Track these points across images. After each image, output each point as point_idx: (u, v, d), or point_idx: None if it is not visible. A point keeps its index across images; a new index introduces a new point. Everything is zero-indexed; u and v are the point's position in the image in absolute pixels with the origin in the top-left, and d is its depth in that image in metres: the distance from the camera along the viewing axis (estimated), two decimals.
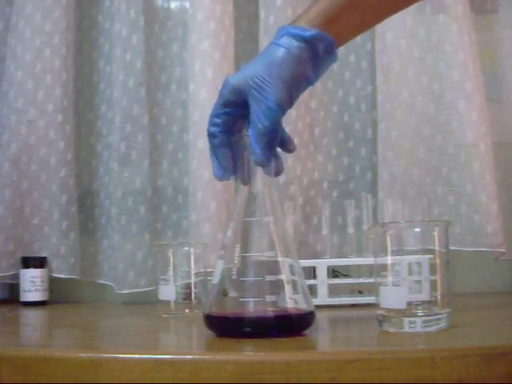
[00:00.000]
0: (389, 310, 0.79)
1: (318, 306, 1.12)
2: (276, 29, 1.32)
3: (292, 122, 1.37)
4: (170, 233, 1.47)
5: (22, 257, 1.40)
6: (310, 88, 1.40)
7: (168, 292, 1.11)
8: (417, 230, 0.82)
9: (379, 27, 1.37)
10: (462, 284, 1.30)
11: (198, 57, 1.37)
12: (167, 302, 1.11)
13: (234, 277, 0.78)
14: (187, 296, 1.11)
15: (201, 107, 1.36)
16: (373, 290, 1.16)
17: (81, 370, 0.67)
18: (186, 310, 1.10)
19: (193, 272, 1.11)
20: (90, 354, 0.68)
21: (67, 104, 1.46)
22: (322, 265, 1.17)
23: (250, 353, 0.68)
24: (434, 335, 0.76)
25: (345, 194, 1.43)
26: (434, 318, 0.78)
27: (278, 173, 0.84)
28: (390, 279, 0.79)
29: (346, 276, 1.24)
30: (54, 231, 1.43)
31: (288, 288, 0.77)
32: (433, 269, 0.79)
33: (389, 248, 0.80)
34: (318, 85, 1.45)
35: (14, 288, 1.43)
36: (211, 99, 1.33)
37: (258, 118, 0.78)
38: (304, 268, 1.15)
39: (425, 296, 0.78)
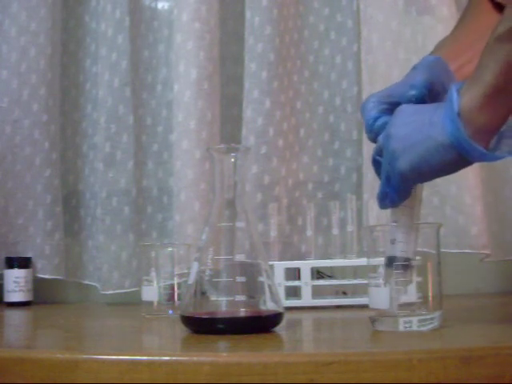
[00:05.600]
0: (381, 311, 0.80)
1: (302, 308, 1.13)
2: (262, 29, 1.35)
3: (277, 123, 1.37)
4: (154, 233, 1.47)
5: (6, 257, 1.39)
6: (296, 89, 1.43)
7: (151, 293, 1.11)
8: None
9: (365, 29, 1.37)
10: (448, 285, 1.30)
11: (183, 57, 1.37)
12: (150, 303, 1.11)
13: (208, 278, 0.83)
14: (170, 297, 1.11)
15: (185, 108, 1.36)
16: (357, 291, 1.18)
17: (58, 371, 0.67)
18: (169, 311, 1.10)
19: (176, 273, 1.11)
20: (67, 355, 0.68)
21: (52, 104, 1.45)
22: (305, 266, 1.17)
23: (226, 354, 0.68)
24: (414, 336, 0.76)
25: (330, 195, 1.42)
26: (426, 318, 0.79)
27: None
28: (381, 280, 0.80)
29: (330, 277, 1.24)
30: (38, 231, 1.43)
31: (256, 288, 0.82)
32: (424, 270, 0.79)
33: (380, 250, 0.81)
34: (304, 85, 1.45)
35: None
36: (195, 99, 1.36)
37: None
38: (288, 269, 1.17)
39: (415, 297, 0.79)
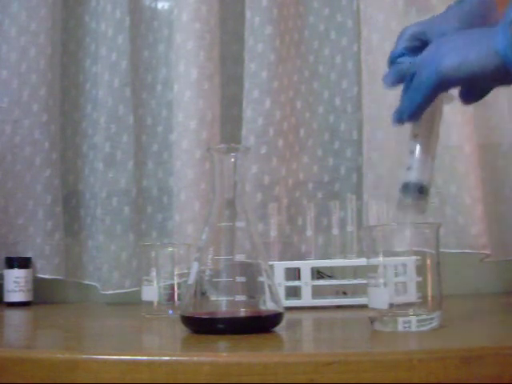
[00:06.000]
0: (381, 311, 0.80)
1: (302, 308, 1.13)
2: (262, 29, 1.35)
3: (277, 123, 1.36)
4: (154, 233, 1.47)
5: (6, 257, 1.39)
6: (296, 89, 1.43)
7: (151, 293, 1.11)
8: (408, 232, 0.82)
9: (365, 29, 1.37)
10: (448, 286, 1.29)
11: (183, 57, 1.37)
12: (150, 303, 1.11)
13: (208, 278, 0.83)
14: (170, 297, 1.11)
15: (185, 108, 1.36)
16: (357, 291, 1.18)
17: (58, 371, 0.67)
18: (169, 311, 1.10)
19: (176, 273, 1.11)
20: (68, 355, 0.68)
21: (52, 104, 1.45)
22: (305, 266, 1.17)
23: (226, 354, 0.68)
24: (414, 336, 0.76)
25: (330, 195, 1.42)
26: (426, 318, 0.79)
27: None
28: (380, 280, 0.79)
29: (330, 277, 1.24)
30: (38, 231, 1.43)
31: (256, 288, 0.82)
32: (423, 270, 0.79)
33: (380, 249, 0.81)
34: (304, 85, 1.45)
35: None
36: (196, 99, 1.36)
37: None
38: (288, 269, 1.17)
39: (414, 297, 0.79)
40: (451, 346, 0.69)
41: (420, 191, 0.80)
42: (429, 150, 0.81)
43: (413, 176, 0.80)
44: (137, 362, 0.65)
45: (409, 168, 0.81)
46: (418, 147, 0.81)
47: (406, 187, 0.80)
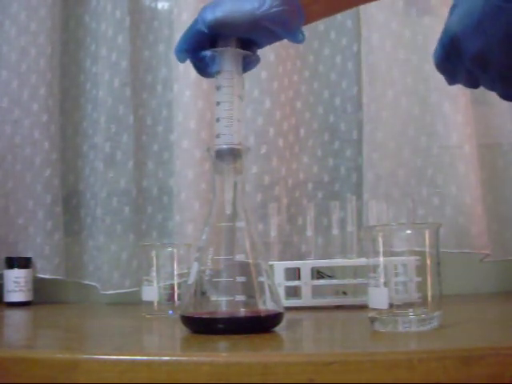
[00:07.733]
0: (381, 311, 0.80)
1: (302, 308, 1.13)
2: None
3: (277, 123, 1.37)
4: (154, 233, 1.47)
5: (6, 257, 1.39)
6: (296, 89, 1.43)
7: (151, 293, 1.11)
8: (408, 232, 0.83)
9: (365, 29, 1.37)
10: (448, 285, 1.29)
11: None
12: (150, 303, 1.11)
13: (208, 278, 0.82)
14: (170, 297, 1.11)
15: (185, 108, 1.36)
16: (357, 291, 1.18)
17: (58, 371, 0.67)
18: (169, 311, 1.10)
19: (176, 273, 1.11)
20: (68, 355, 0.68)
21: (52, 104, 1.45)
22: (305, 266, 1.17)
23: (226, 354, 0.68)
24: (414, 336, 0.76)
25: (330, 195, 1.42)
26: (426, 318, 0.79)
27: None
28: (380, 280, 0.79)
29: (330, 277, 1.24)
30: (38, 231, 1.43)
31: (256, 288, 0.82)
32: (423, 270, 0.79)
33: (380, 249, 0.81)
34: (304, 85, 1.45)
35: None
36: (195, 99, 1.36)
37: None
38: (288, 269, 1.17)
39: (414, 297, 0.79)
40: (451, 346, 0.69)
41: (233, 154, 0.84)
42: (232, 114, 0.84)
43: (222, 142, 0.84)
44: (136, 362, 0.65)
45: (218, 136, 0.84)
46: (221, 113, 0.85)
47: (219, 154, 0.84)
